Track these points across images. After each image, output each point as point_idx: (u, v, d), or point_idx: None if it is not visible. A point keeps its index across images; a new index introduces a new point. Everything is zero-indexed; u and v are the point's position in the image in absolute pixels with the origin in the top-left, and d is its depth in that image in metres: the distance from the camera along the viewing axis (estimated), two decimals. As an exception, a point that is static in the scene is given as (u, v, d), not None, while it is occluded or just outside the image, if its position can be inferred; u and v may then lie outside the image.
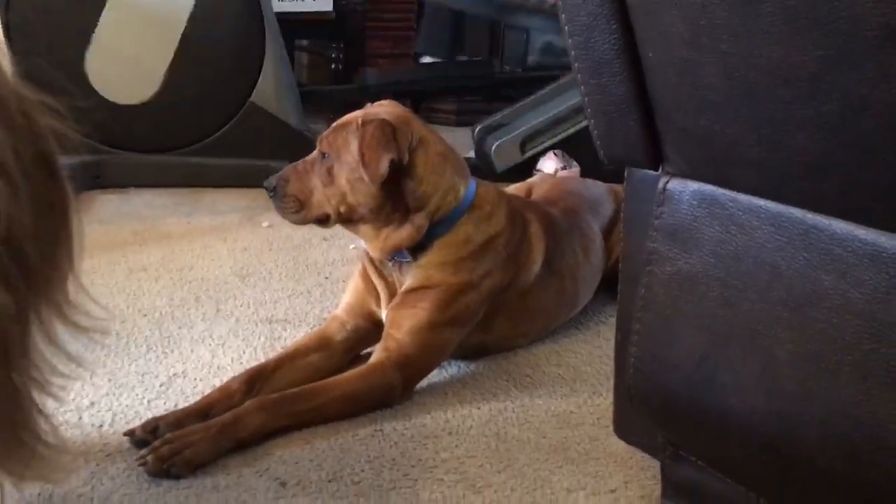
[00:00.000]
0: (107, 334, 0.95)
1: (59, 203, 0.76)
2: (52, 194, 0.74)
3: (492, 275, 1.52)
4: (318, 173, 1.49)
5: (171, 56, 2.71)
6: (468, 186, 1.52)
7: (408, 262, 1.50)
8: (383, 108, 1.54)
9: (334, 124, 1.53)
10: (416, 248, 1.49)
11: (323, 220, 1.53)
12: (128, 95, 2.73)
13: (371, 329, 1.57)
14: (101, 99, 2.68)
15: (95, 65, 2.69)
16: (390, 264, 1.53)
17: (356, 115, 1.52)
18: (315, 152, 1.53)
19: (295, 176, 1.52)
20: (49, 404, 0.80)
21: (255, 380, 1.38)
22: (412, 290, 1.49)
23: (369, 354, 1.52)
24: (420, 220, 1.47)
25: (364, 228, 1.51)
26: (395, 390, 1.42)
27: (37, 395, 0.76)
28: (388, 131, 1.43)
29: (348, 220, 1.51)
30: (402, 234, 1.47)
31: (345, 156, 1.46)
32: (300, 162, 1.54)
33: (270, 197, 1.53)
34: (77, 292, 0.80)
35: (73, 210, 0.78)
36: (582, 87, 0.96)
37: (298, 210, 1.51)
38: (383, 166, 1.41)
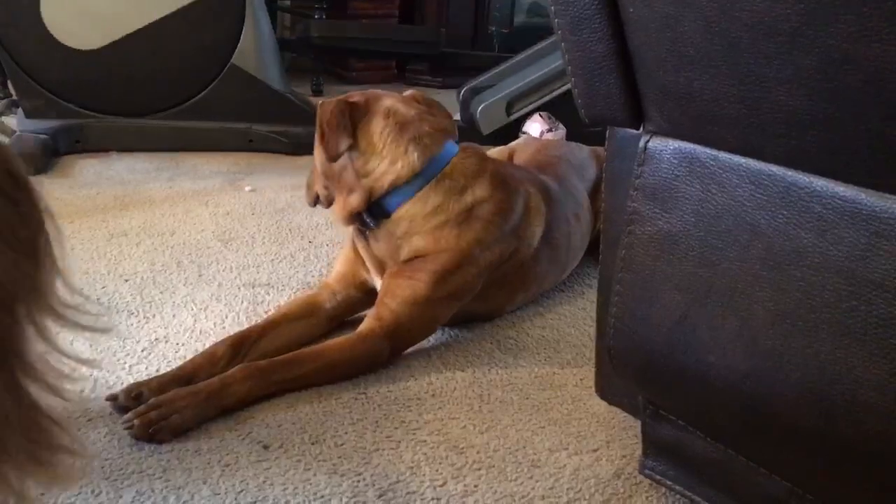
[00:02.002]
0: (108, 331, 0.95)
1: (32, 213, 0.76)
2: (22, 206, 0.74)
3: (490, 247, 1.51)
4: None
5: (151, 17, 2.66)
6: (434, 156, 1.50)
7: (373, 228, 1.51)
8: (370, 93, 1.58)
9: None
10: (376, 214, 1.50)
11: (317, 200, 1.64)
12: (85, 42, 2.66)
13: (361, 298, 1.57)
14: (59, 45, 2.62)
15: (68, 25, 2.63)
16: (362, 232, 1.54)
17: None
18: None
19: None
20: (60, 408, 0.81)
21: (240, 345, 1.38)
22: (409, 260, 1.48)
23: (355, 320, 1.52)
24: (366, 184, 1.50)
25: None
26: (383, 358, 1.42)
27: (42, 400, 0.77)
28: (346, 113, 1.49)
29: (328, 195, 1.58)
30: (352, 200, 1.51)
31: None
32: None
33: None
34: (71, 294, 0.80)
35: (48, 216, 0.79)
36: (562, 45, 0.95)
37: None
38: (342, 145, 1.48)
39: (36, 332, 0.76)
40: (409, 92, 1.64)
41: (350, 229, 1.59)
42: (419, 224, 1.48)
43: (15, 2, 2.59)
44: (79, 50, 2.65)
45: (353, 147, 1.49)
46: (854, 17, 0.67)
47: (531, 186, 1.64)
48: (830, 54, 0.69)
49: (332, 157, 1.49)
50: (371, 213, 1.50)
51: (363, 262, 1.57)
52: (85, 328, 0.81)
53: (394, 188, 1.48)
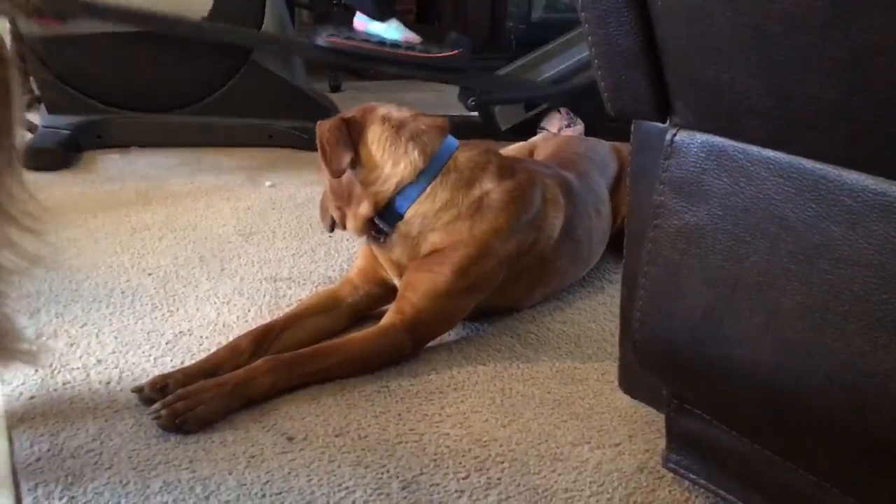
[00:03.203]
0: (48, 233, 0.95)
1: (2, 106, 0.73)
2: None
3: (507, 238, 1.51)
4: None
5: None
6: (435, 152, 1.51)
7: (388, 233, 1.52)
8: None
9: None
10: (388, 219, 1.51)
11: (333, 224, 1.64)
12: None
13: (383, 293, 1.58)
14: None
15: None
16: (379, 241, 1.54)
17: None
18: None
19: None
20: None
21: (263, 339, 1.39)
22: (429, 254, 1.49)
23: (377, 315, 1.52)
24: (374, 190, 1.50)
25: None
26: (405, 351, 1.42)
27: None
28: (344, 129, 1.51)
29: (342, 216, 1.59)
30: (362, 209, 1.52)
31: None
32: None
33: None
34: (22, 193, 0.80)
35: (11, 63, 0.75)
36: (589, 38, 0.95)
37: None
38: (344, 162, 1.49)
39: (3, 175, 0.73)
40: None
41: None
42: (432, 221, 1.49)
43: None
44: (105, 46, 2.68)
45: (355, 161, 1.51)
46: (884, 9, 0.67)
47: (548, 179, 1.64)
48: (861, 46, 0.69)
49: (337, 174, 1.50)
50: (383, 218, 1.51)
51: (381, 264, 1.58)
52: (29, 230, 0.80)
53: (401, 189, 1.49)
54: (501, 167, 1.55)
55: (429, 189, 1.49)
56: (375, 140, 1.51)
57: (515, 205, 1.52)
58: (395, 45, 2.82)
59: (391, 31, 2.84)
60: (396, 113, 1.55)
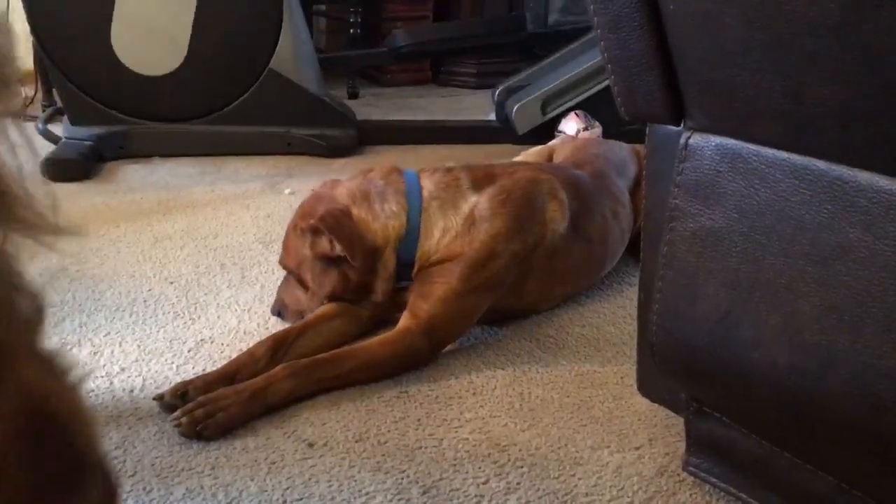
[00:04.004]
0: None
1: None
2: None
3: (511, 238, 1.51)
4: (296, 287, 1.58)
5: (190, 25, 2.70)
6: (405, 193, 1.51)
7: (410, 283, 1.53)
8: (323, 195, 1.55)
9: (283, 242, 1.59)
10: (405, 272, 1.52)
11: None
12: (153, 67, 2.74)
13: (395, 299, 1.58)
14: (128, 71, 2.70)
15: (121, 38, 2.69)
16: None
17: (291, 223, 1.57)
18: (285, 273, 1.62)
19: (287, 297, 1.60)
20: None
21: (280, 345, 1.40)
22: (433, 265, 1.50)
23: (393, 321, 1.53)
24: (382, 270, 1.50)
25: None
26: (422, 355, 1.43)
27: None
28: (326, 243, 1.47)
29: (340, 298, 1.54)
30: (379, 288, 1.52)
31: (303, 264, 1.52)
32: (282, 284, 1.63)
33: (282, 319, 1.60)
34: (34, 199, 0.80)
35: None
36: (602, 42, 0.95)
37: (303, 315, 1.55)
38: (331, 282, 1.49)
39: None
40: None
41: None
42: (436, 248, 1.51)
43: (78, 24, 2.66)
44: (145, 75, 2.73)
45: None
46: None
47: (545, 175, 1.64)
48: (873, 48, 0.69)
49: (325, 295, 1.50)
50: (401, 276, 1.52)
51: None
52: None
53: (399, 242, 1.50)
54: (474, 178, 1.56)
55: (422, 227, 1.50)
56: (358, 221, 1.49)
57: (507, 207, 1.53)
58: None
59: None
60: (355, 188, 1.52)
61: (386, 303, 1.56)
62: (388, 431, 1.24)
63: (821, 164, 0.78)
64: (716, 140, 0.89)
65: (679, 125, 0.95)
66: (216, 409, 1.22)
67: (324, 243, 1.48)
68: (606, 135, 2.73)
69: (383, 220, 1.50)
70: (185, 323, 1.59)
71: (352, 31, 4.12)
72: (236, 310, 1.65)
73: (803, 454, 0.91)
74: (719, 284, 0.89)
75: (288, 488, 1.11)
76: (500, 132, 3.06)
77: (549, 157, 1.96)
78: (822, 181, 0.78)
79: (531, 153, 1.99)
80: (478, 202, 1.52)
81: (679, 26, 0.86)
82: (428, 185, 1.54)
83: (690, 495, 1.12)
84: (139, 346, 1.49)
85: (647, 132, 1.05)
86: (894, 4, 0.67)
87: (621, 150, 1.96)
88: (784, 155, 0.82)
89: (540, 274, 1.60)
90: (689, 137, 0.92)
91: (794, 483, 0.95)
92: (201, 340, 1.52)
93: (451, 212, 1.51)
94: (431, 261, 1.50)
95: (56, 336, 1.50)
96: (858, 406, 0.78)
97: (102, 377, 1.38)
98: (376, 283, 1.52)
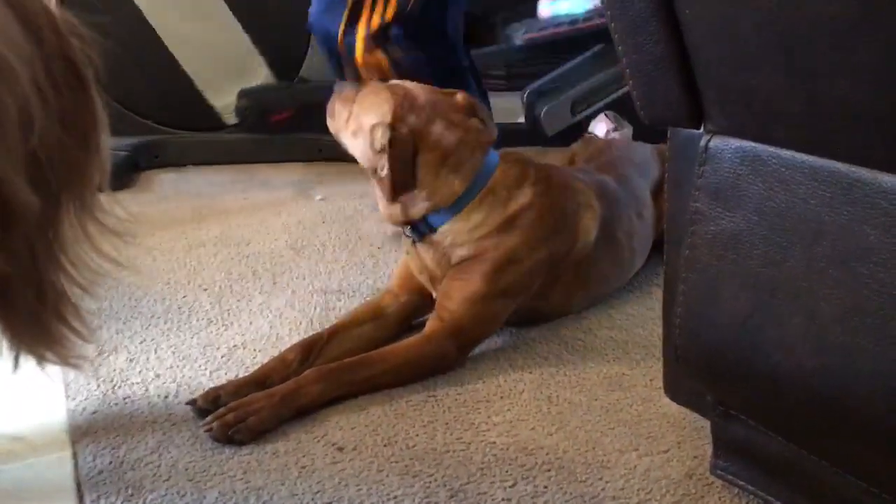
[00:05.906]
0: (133, 237, 1.01)
1: (88, 115, 0.79)
2: (81, 107, 0.77)
3: (536, 248, 1.52)
4: (349, 111, 1.61)
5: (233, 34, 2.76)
6: (475, 176, 1.51)
7: (417, 241, 1.55)
8: (416, 92, 1.55)
9: (368, 87, 1.62)
10: (420, 229, 1.53)
11: None
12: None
13: (421, 303, 1.60)
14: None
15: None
16: (408, 240, 1.57)
17: (383, 98, 1.55)
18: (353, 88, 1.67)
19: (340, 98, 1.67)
20: (85, 299, 0.85)
21: (310, 350, 1.42)
22: (459, 263, 1.51)
23: (421, 324, 1.55)
24: (406, 207, 1.52)
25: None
26: (449, 358, 1.44)
27: (68, 287, 0.81)
28: (408, 150, 1.49)
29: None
30: (391, 211, 1.54)
31: (363, 131, 1.55)
32: (345, 86, 1.71)
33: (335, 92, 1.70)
34: (108, 199, 0.85)
35: (102, 121, 0.82)
36: (619, 48, 0.95)
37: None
38: (408, 188, 1.51)
39: (71, 225, 0.80)
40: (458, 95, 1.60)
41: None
42: (463, 236, 1.51)
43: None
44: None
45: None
46: (915, 9, 0.67)
47: (582, 184, 1.64)
48: (890, 48, 0.68)
49: (394, 199, 1.51)
50: (414, 229, 1.54)
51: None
52: (114, 231, 0.86)
53: (437, 211, 1.51)
54: (537, 181, 1.55)
55: (464, 211, 1.51)
56: (422, 166, 1.50)
57: (545, 219, 1.53)
58: (588, 17, 2.59)
59: (578, 2, 2.59)
60: (446, 136, 1.51)
61: (408, 305, 1.59)
62: (417, 435, 1.26)
63: (840, 166, 0.78)
64: (735, 143, 0.89)
65: (699, 128, 0.95)
66: (247, 413, 1.25)
67: (379, 142, 1.50)
68: (637, 136, 2.71)
69: (435, 188, 1.50)
70: (218, 329, 1.62)
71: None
72: (268, 316, 1.68)
73: (830, 457, 0.91)
74: (741, 287, 0.89)
75: (318, 492, 1.13)
76: (530, 134, 3.06)
77: (571, 161, 1.96)
78: (842, 183, 0.77)
79: (551, 158, 1.98)
80: (524, 206, 1.52)
81: (696, 30, 0.87)
82: (498, 175, 1.53)
83: (719, 498, 1.11)
84: (174, 353, 1.52)
85: (668, 136, 1.05)
86: (910, 5, 0.66)
87: (644, 151, 1.95)
88: (803, 157, 0.81)
89: (568, 280, 1.60)
90: (708, 141, 0.92)
91: (822, 486, 0.94)
92: (234, 346, 1.54)
93: (497, 210, 1.51)
94: (458, 253, 1.51)
95: (93, 344, 1.54)
96: (884, 406, 0.77)
97: (138, 383, 1.41)
98: (380, 199, 1.55)
